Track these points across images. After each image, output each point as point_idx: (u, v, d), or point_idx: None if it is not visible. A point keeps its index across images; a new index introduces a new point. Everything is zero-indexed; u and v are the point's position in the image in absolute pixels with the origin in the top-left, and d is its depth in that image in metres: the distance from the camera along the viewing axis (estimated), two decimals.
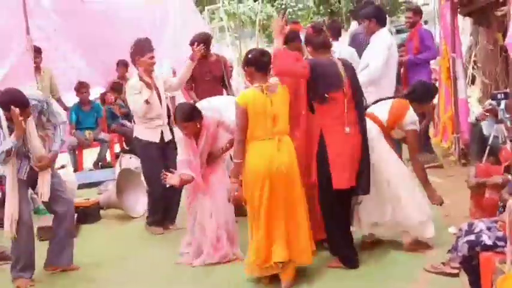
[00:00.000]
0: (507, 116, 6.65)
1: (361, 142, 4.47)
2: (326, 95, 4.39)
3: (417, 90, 4.98)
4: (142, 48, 5.67)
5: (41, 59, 8.43)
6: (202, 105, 5.54)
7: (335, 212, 4.51)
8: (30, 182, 4.76)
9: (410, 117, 4.78)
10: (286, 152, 4.28)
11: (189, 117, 4.89)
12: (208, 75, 6.83)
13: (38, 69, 8.29)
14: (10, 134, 4.48)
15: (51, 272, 4.96)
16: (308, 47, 4.71)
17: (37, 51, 8.26)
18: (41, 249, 4.97)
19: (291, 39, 5.88)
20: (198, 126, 4.92)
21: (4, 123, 4.51)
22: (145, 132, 5.73)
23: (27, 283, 4.74)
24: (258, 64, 4.33)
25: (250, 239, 4.40)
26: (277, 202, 4.25)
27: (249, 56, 4.43)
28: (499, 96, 6.46)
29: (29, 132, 4.57)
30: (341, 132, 4.40)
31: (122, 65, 9.58)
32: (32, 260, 4.80)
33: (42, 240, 5.41)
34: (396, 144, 5.07)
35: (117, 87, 9.50)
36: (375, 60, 5.80)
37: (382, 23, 6.13)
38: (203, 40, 6.70)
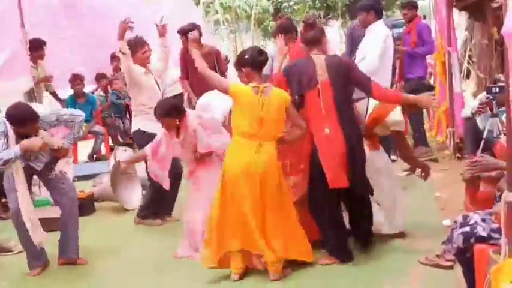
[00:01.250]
0: (501, 109, 6.66)
1: (343, 143, 4.34)
2: (298, 96, 4.37)
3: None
4: (133, 47, 5.70)
5: (44, 52, 8.39)
6: (203, 101, 5.59)
7: (326, 209, 4.46)
8: (27, 177, 4.79)
9: (393, 118, 4.67)
10: (265, 155, 4.23)
11: (165, 113, 4.92)
12: None
13: (35, 61, 8.26)
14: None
15: (61, 264, 4.98)
16: (302, 44, 4.65)
17: (43, 43, 8.24)
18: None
19: (285, 30, 5.93)
20: (177, 123, 4.92)
21: (11, 132, 4.52)
22: (149, 124, 5.66)
23: (39, 271, 4.84)
24: (254, 63, 4.30)
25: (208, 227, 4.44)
26: (248, 201, 4.22)
27: (246, 56, 4.38)
28: (493, 90, 6.46)
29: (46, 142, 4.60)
30: (321, 132, 4.36)
31: (116, 58, 9.57)
32: (39, 249, 4.85)
33: None
34: (385, 141, 5.08)
35: (100, 77, 9.61)
36: (371, 52, 5.79)
37: (379, 15, 6.14)
38: (188, 31, 6.71)
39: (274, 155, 4.31)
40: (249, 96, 4.23)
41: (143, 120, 5.71)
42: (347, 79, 4.44)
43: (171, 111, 4.92)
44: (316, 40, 4.52)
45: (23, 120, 4.44)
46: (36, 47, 8.05)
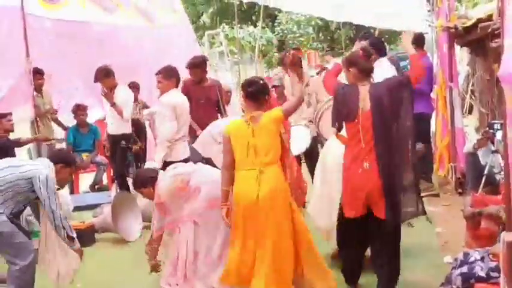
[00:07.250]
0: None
1: (378, 177, 4.21)
2: (337, 124, 4.42)
3: None
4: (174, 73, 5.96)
5: (44, 80, 8.45)
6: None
7: (346, 237, 4.53)
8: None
9: None
10: (268, 183, 4.19)
11: (140, 185, 4.99)
12: (203, 99, 6.88)
13: (40, 90, 8.32)
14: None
15: None
16: (352, 69, 4.47)
17: (40, 72, 8.29)
18: None
19: (293, 63, 6.07)
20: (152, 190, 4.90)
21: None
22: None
23: None
24: (244, 92, 4.39)
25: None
26: (253, 232, 4.21)
27: (244, 81, 4.50)
28: (495, 126, 6.48)
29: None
30: (354, 165, 4.29)
31: (134, 87, 9.38)
32: None
33: None
34: None
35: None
36: None
37: (381, 53, 6.18)
38: (197, 64, 6.78)
39: (278, 180, 4.25)
40: (240, 128, 4.30)
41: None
42: (393, 102, 4.29)
43: (146, 182, 4.94)
44: (370, 71, 4.48)
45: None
46: (35, 76, 8.11)
